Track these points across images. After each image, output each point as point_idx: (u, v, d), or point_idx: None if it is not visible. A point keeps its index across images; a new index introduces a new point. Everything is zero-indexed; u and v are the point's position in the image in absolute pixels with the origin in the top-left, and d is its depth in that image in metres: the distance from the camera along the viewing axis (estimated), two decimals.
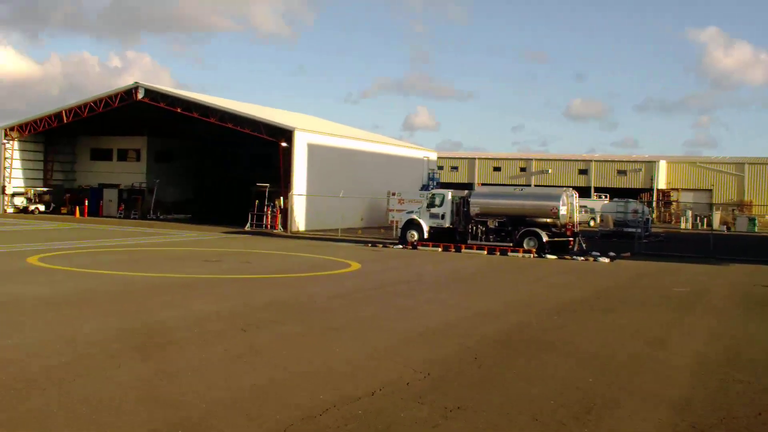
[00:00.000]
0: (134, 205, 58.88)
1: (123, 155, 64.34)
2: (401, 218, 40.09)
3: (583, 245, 36.27)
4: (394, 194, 52.59)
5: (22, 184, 59.18)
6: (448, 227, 37.57)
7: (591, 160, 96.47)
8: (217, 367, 11.65)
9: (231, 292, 20.43)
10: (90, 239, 36.91)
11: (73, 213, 57.03)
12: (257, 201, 49.77)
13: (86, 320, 15.23)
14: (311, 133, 51.69)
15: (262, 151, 57.93)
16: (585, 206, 64.88)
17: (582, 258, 33.87)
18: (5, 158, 57.68)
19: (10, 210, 57.45)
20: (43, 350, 12.40)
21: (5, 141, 57.28)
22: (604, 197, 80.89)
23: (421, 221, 37.81)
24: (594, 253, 35.08)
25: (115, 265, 25.40)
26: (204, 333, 14.29)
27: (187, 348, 12.92)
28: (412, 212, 39.41)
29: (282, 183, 49.03)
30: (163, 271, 24.26)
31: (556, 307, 19.27)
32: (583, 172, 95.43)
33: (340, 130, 62.53)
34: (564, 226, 35.25)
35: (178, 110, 51.45)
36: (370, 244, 39.09)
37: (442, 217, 37.57)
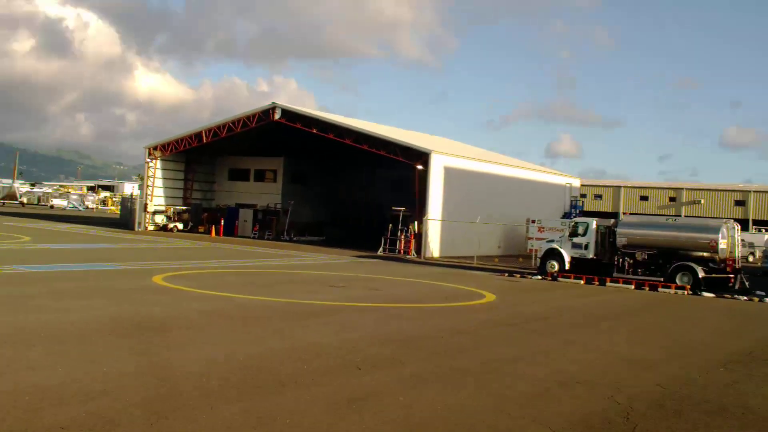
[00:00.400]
0: (269, 225, 58.86)
1: (260, 176, 64.66)
2: (541, 247, 37.59)
3: (746, 283, 32.58)
4: (533, 221, 49.95)
5: (163, 202, 60.36)
6: (592, 258, 34.79)
7: (749, 191, 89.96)
8: (321, 414, 10.02)
9: (352, 322, 18.83)
10: (221, 259, 36.47)
11: (209, 232, 57.58)
12: (391, 225, 48.46)
13: (188, 349, 13.93)
14: (448, 156, 50.02)
15: (397, 174, 56.73)
16: (742, 240, 59.81)
17: (745, 298, 30.33)
18: (148, 176, 59.05)
19: (150, 227, 58.64)
20: (131, 382, 11.10)
21: (148, 160, 58.65)
22: (765, 231, 74.84)
23: (563, 251, 35.22)
24: (759, 292, 31.41)
25: (238, 288, 24.38)
26: (315, 369, 12.69)
27: (293, 387, 11.38)
28: (552, 241, 36.88)
29: (417, 207, 47.53)
30: (284, 295, 23.01)
31: (723, 358, 16.50)
32: (740, 203, 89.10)
33: (478, 154, 60.61)
34: (723, 261, 31.83)
35: (314, 131, 50.98)
36: (506, 274, 36.86)
37: (586, 247, 34.84)
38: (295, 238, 56.40)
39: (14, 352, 12.74)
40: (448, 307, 23.48)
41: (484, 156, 60.38)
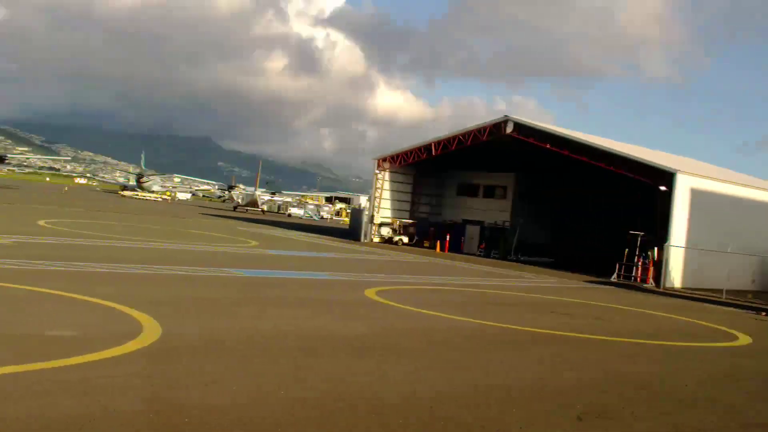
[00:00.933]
0: (495, 244, 56.55)
1: (489, 192, 62.44)
2: None
3: None
4: None
5: (390, 215, 59.97)
6: None
7: None
8: None
9: (571, 356, 16.10)
10: (441, 275, 34.87)
11: (434, 247, 56.29)
12: (627, 250, 44.44)
13: (377, 375, 12.03)
14: (696, 176, 45.26)
15: (635, 195, 52.35)
16: None
17: None
18: (376, 188, 58.91)
19: (376, 239, 58.42)
20: (309, 414, 9.37)
21: (377, 171, 58.51)
22: None
23: None
24: None
25: (451, 307, 22.40)
26: (522, 415, 10.37)
27: None
28: None
29: (657, 232, 43.26)
30: (499, 319, 20.59)
31: None
32: None
33: (730, 176, 54.70)
34: None
35: (548, 146, 48.18)
36: (764, 313, 31.97)
37: None
38: (522, 259, 53.69)
39: (194, 363, 11.61)
40: (690, 346, 20.04)
41: (738, 179, 54.38)
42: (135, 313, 14.97)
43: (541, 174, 60.24)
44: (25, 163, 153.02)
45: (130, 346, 12.10)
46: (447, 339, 16.56)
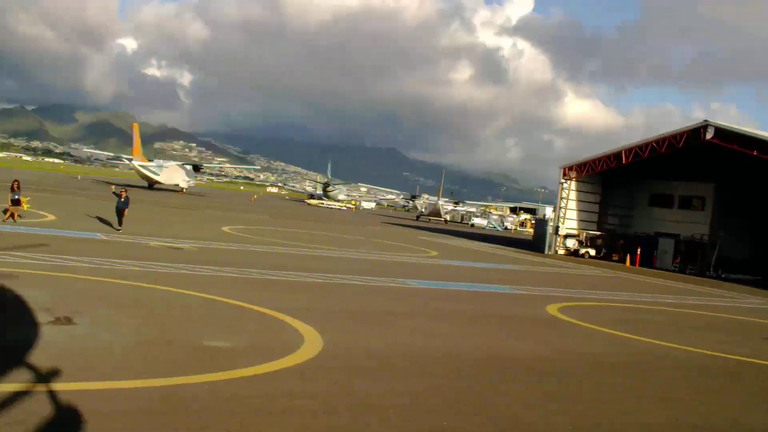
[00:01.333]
0: (692, 259, 52.38)
1: (686, 203, 57.96)
2: None
3: None
4: None
5: (575, 226, 57.15)
6: None
7: None
8: None
9: None
10: (631, 291, 32.22)
11: (623, 261, 52.98)
12: None
13: (537, 410, 10.38)
14: None
15: None
16: None
17: None
18: (561, 198, 56.31)
19: (561, 251, 55.85)
20: None
21: (562, 180, 55.91)
22: None
23: None
24: None
25: (640, 328, 20.15)
26: None
27: None
28: None
29: None
30: (692, 343, 18.12)
31: None
32: None
33: None
34: None
35: (754, 153, 43.87)
36: None
37: None
38: (723, 275, 49.40)
39: (352, 383, 10.61)
40: None
41: None
42: (298, 324, 14.22)
43: (744, 183, 55.20)
44: (222, 173, 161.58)
45: (287, 361, 11.35)
46: (642, 366, 14.58)
